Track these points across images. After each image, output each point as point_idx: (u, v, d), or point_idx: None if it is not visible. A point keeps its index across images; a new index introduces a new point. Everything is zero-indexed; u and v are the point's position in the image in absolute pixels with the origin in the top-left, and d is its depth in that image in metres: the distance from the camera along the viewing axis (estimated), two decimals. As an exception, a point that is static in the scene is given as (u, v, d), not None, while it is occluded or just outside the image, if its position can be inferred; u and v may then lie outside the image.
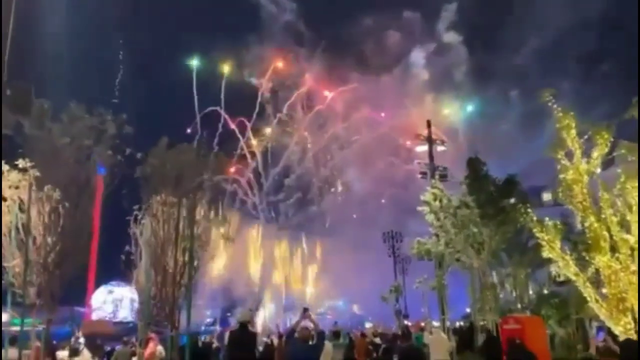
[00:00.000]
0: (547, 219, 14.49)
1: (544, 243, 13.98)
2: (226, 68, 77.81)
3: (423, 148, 27.95)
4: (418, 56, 79.04)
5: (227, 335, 10.16)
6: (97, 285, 68.29)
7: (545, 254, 14.09)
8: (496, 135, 64.50)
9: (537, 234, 14.21)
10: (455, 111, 78.18)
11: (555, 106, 13.87)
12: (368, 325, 60.59)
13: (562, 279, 35.99)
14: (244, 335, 10.26)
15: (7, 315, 12.77)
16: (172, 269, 11.83)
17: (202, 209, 12.78)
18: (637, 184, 12.90)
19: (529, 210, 15.01)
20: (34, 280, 11.51)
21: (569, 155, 14.50)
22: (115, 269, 13.75)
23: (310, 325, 10.78)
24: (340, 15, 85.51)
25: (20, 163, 11.38)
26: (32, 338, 12.68)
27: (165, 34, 76.45)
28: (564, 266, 13.87)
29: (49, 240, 11.14)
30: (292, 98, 79.20)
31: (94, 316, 66.83)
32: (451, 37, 79.12)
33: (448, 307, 27.72)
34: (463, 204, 22.82)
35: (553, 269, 37.77)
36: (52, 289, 10.95)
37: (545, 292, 33.96)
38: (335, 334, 16.86)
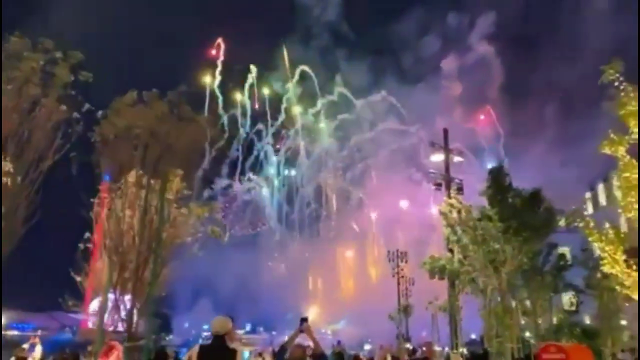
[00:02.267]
0: (608, 224, 11.27)
1: (604, 255, 10.73)
2: (253, 71, 73.64)
3: (439, 157, 24.87)
4: (452, 66, 75.03)
5: (195, 350, 6.78)
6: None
7: (606, 268, 10.82)
8: (523, 155, 60.22)
9: (596, 244, 10.98)
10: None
11: (622, 86, 10.77)
12: (367, 347, 56.54)
13: (574, 307, 32.44)
14: (219, 351, 6.94)
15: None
16: (133, 262, 8.72)
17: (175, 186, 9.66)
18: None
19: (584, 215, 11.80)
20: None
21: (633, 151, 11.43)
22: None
23: (308, 343, 7.57)
24: (380, 17, 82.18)
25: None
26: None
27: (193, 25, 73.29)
28: (632, 285, 10.57)
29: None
30: (318, 105, 74.71)
31: (91, 324, 63.23)
32: (486, 48, 74.98)
33: (461, 330, 24.26)
34: (485, 216, 19.63)
35: (566, 297, 34.41)
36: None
37: (555, 320, 30.61)
38: (338, 357, 13.42)
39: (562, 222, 26.79)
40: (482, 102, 73.81)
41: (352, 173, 72.61)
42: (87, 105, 8.48)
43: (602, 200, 38.11)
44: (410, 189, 65.32)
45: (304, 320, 7.30)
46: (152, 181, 9.05)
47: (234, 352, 6.94)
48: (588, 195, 39.23)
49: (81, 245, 10.45)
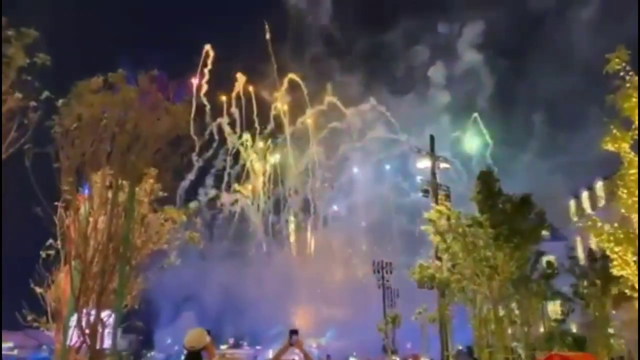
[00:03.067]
0: (616, 224, 10.39)
1: (614, 257, 9.83)
2: (241, 79, 71.38)
3: (425, 164, 24.04)
4: (440, 75, 74.06)
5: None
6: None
7: (616, 270, 9.92)
8: (510, 164, 59.24)
9: (605, 245, 10.08)
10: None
11: (627, 77, 9.97)
12: (352, 360, 55.05)
13: (563, 316, 31.70)
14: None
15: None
16: (98, 270, 7.54)
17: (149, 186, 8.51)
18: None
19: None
20: None
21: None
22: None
23: (293, 358, 6.49)
24: (370, 27, 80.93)
25: None
26: None
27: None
28: (645, 288, 9.66)
29: None
30: (307, 114, 72.70)
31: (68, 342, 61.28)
32: (474, 57, 74.15)
33: (452, 341, 23.22)
34: (475, 222, 18.75)
35: (553, 305, 33.70)
36: None
37: (541, 329, 29.83)
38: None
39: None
40: (470, 111, 73.13)
41: (339, 182, 71.27)
42: (46, 93, 7.34)
43: (587, 207, 37.76)
44: (399, 197, 64.16)
45: (294, 332, 6.20)
46: (120, 180, 7.91)
47: (210, 370, 5.79)
48: (572, 202, 38.80)
49: (43, 254, 9.15)
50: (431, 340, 33.12)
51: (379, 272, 45.75)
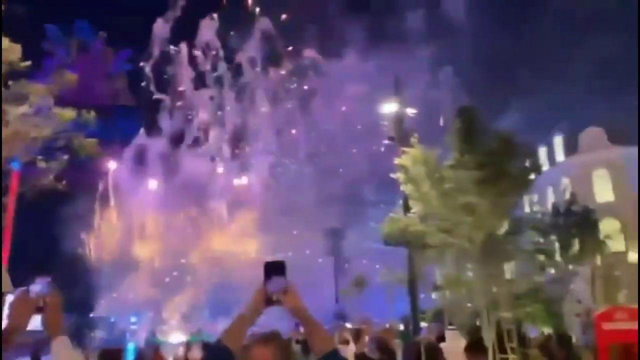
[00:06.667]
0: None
1: None
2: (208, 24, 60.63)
3: (390, 108, 20.17)
4: (421, 25, 61.35)
5: None
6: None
7: None
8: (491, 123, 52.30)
9: None
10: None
11: None
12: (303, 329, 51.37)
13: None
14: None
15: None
16: None
17: None
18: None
19: None
20: None
21: None
22: None
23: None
24: None
25: None
26: None
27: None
28: None
29: None
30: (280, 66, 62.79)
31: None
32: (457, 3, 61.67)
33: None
34: (459, 163, 15.07)
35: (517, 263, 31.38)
36: None
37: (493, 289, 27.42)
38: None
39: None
40: (450, 65, 63.85)
41: (307, 150, 62.63)
42: None
43: (559, 154, 33.98)
44: (369, 162, 55.66)
45: (275, 270, 1.83)
46: None
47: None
48: (543, 150, 34.76)
49: None
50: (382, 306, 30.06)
51: (329, 239, 42.30)
